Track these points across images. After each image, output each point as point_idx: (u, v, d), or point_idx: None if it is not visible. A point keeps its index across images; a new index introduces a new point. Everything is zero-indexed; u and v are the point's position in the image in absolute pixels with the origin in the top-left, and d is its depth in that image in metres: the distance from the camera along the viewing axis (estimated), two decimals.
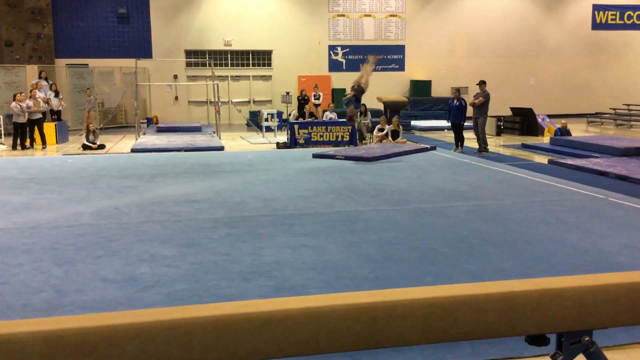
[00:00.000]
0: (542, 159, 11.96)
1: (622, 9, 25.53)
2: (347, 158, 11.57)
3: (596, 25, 25.51)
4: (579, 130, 18.00)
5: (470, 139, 14.31)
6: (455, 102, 13.36)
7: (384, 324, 1.59)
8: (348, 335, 1.57)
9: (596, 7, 25.35)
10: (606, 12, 25.47)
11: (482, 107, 13.14)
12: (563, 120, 16.10)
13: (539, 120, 17.43)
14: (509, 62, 24.88)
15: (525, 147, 14.13)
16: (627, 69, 25.82)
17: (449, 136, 13.94)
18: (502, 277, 4.55)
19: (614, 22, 25.60)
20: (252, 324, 1.50)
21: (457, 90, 13.60)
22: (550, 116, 18.61)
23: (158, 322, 1.45)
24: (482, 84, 13.31)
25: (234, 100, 21.10)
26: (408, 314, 1.60)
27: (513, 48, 24.84)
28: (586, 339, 1.82)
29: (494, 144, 15.01)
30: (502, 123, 17.68)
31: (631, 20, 25.66)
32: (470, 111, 13.32)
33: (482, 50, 24.66)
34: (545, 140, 15.60)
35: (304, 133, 14.58)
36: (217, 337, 1.47)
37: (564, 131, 15.37)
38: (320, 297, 1.60)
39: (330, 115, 16.65)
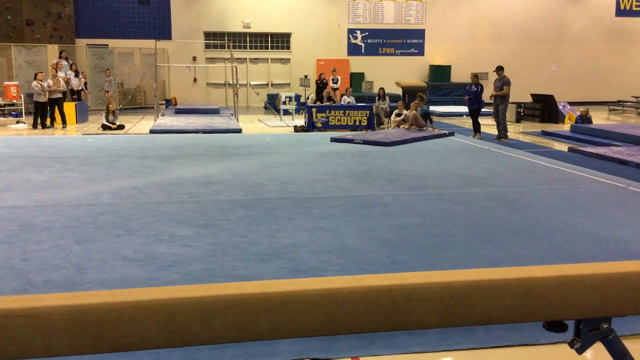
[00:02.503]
0: (562, 147, 11.85)
1: None
2: (364, 142, 11.55)
3: (620, 12, 25.06)
4: (600, 118, 17.78)
5: (490, 125, 14.20)
6: (473, 87, 13.25)
7: (403, 306, 1.60)
8: (366, 317, 1.58)
9: None
10: None
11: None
12: (584, 108, 15.91)
13: (560, 107, 17.24)
14: (531, 47, 24.56)
15: (545, 134, 14.00)
16: None
17: (468, 122, 13.85)
18: (520, 264, 4.53)
19: (638, 8, 25.12)
20: (272, 304, 1.51)
21: (476, 76, 13.46)
22: (571, 103, 18.40)
23: (180, 300, 1.47)
24: (499, 69, 13.14)
25: (252, 83, 21.11)
26: (426, 298, 1.61)
27: (535, 34, 24.52)
28: (605, 326, 1.82)
29: (514, 130, 14.88)
30: (522, 110, 17.52)
31: None
32: (486, 96, 13.21)
33: (503, 36, 24.37)
34: (565, 127, 15.44)
35: (321, 117, 14.56)
36: (237, 315, 1.49)
37: (585, 119, 15.19)
38: (339, 279, 1.61)
39: (348, 100, 16.60)
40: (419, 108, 13.56)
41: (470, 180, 8.02)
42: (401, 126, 13.89)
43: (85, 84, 18.12)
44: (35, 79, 14.70)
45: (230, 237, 5.26)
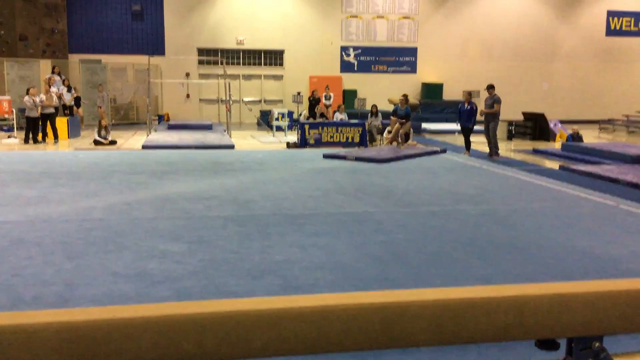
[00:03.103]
0: (553, 165, 11.91)
1: (637, 15, 25.39)
2: (357, 159, 11.58)
3: (610, 32, 25.36)
4: (590, 137, 17.91)
5: (481, 143, 14.28)
6: (466, 105, 13.32)
7: (396, 324, 1.60)
8: (359, 334, 1.58)
9: (610, 13, 25.22)
10: (621, 19, 25.34)
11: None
12: (575, 126, 16.03)
13: (551, 125, 17.36)
14: (522, 66, 24.78)
15: (536, 152, 14.07)
16: None
17: (460, 139, 13.91)
18: (512, 281, 4.54)
19: (628, 28, 25.45)
20: (265, 321, 1.50)
21: (469, 94, 13.54)
22: (562, 121, 18.53)
23: (171, 317, 1.46)
24: (490, 88, 13.24)
25: (245, 99, 21.15)
26: (420, 315, 1.61)
27: (526, 52, 24.75)
28: (597, 344, 1.82)
29: (505, 148, 14.96)
30: (513, 127, 17.64)
31: None
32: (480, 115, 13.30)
33: (494, 54, 24.59)
34: (556, 145, 15.53)
35: (314, 133, 14.59)
36: (229, 332, 1.48)
37: (575, 137, 15.30)
38: (332, 296, 1.61)
39: (340, 116, 16.66)
40: (401, 107, 13.66)
41: (462, 197, 8.04)
42: (393, 143, 13.93)
43: (78, 99, 18.11)
44: (27, 93, 14.67)
45: (222, 253, 5.24)
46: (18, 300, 4.08)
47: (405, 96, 13.90)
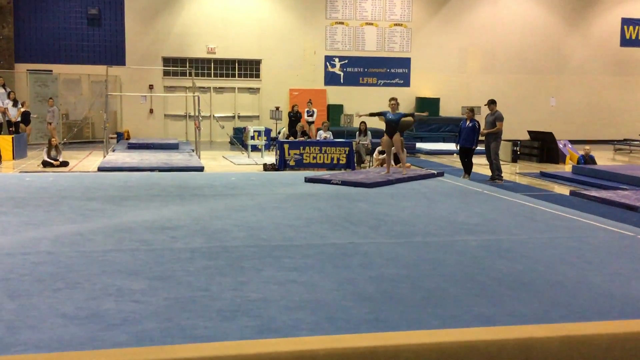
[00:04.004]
0: (563, 190, 12.03)
1: None
2: (343, 183, 11.61)
3: (625, 42, 25.85)
4: (604, 159, 18.15)
5: (482, 165, 14.40)
6: (468, 123, 13.41)
7: None
8: None
9: (625, 21, 25.73)
10: (637, 27, 25.84)
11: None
12: (587, 147, 16.25)
13: (560, 146, 17.59)
14: (527, 80, 25.14)
15: (544, 175, 14.22)
16: None
17: (458, 161, 14.03)
18: (518, 322, 4.55)
19: None
20: None
21: (471, 110, 13.63)
22: (572, 142, 18.78)
23: None
24: (491, 103, 13.39)
25: (216, 115, 21.18)
26: None
27: (532, 64, 25.13)
28: None
29: (510, 171, 15.10)
30: (518, 148, 17.84)
31: None
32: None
33: (497, 66, 24.92)
34: (566, 168, 15.72)
35: (295, 154, 14.63)
36: None
37: (587, 159, 15.50)
38: (314, 340, 1.61)
39: (324, 135, 16.74)
40: (392, 112, 12.70)
41: (461, 226, 8.08)
42: (386, 165, 13.95)
43: (27, 114, 18.02)
44: None
45: (188, 291, 5.20)
46: None
47: (395, 99, 12.79)
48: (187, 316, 4.62)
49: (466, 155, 13.48)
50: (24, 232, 7.30)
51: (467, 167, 13.45)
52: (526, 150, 18.11)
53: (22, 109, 18.15)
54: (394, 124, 12.38)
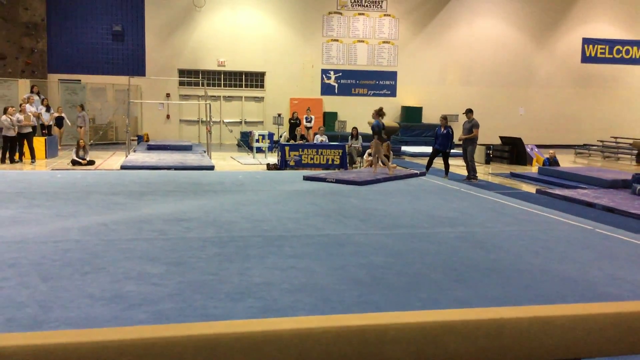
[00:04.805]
0: (530, 188, 12.04)
1: (611, 43, 25.99)
2: (337, 181, 11.59)
3: (586, 59, 25.91)
4: (566, 161, 18.17)
5: (459, 166, 14.39)
6: (442, 129, 13.42)
7: (375, 347, 1.59)
8: (339, 358, 1.56)
9: (586, 41, 25.78)
10: (596, 46, 25.91)
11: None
12: (551, 151, 16.26)
13: (528, 149, 17.59)
14: (500, 91, 25.17)
15: (514, 176, 14.23)
16: (615, 102, 26.22)
17: (439, 163, 14.02)
18: (491, 304, 4.55)
19: (603, 55, 26.02)
20: (243, 344, 1.49)
21: (445, 119, 13.65)
22: (538, 146, 18.79)
23: (148, 340, 1.44)
24: (469, 112, 13.41)
25: (225, 120, 21.14)
26: (399, 338, 1.60)
27: (504, 78, 25.16)
28: None
29: (483, 172, 15.10)
30: (491, 152, 17.84)
31: (620, 55, 26.12)
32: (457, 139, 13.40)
33: (473, 79, 24.94)
34: (533, 169, 15.73)
35: (294, 155, 14.61)
36: (207, 356, 1.46)
37: (552, 161, 15.50)
38: (312, 319, 1.60)
39: (320, 138, 16.72)
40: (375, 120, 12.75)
41: (441, 220, 8.08)
42: (373, 166, 13.95)
43: (60, 119, 17.98)
44: (4, 113, 14.52)
45: (200, 275, 5.19)
46: None
47: (381, 108, 12.87)
48: (199, 297, 4.61)
49: (442, 157, 13.43)
50: (55, 222, 7.28)
51: (446, 167, 13.47)
52: (498, 154, 18.12)
53: (56, 114, 18.12)
54: (376, 131, 12.59)
